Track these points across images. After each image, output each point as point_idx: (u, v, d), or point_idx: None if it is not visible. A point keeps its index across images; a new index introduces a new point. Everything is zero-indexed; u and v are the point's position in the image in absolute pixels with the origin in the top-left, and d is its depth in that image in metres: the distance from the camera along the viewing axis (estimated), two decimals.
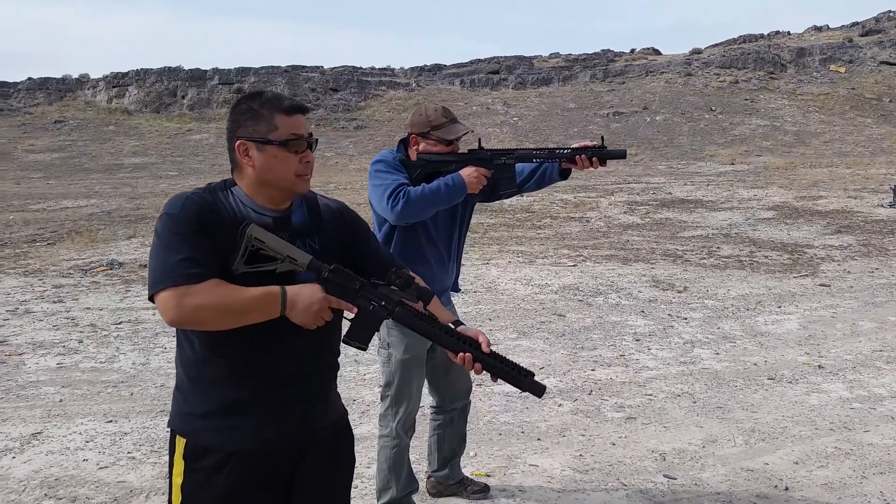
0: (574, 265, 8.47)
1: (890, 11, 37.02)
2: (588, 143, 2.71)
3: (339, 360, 1.89)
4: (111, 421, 4.04)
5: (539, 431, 3.89)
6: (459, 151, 2.77)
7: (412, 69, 32.66)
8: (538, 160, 2.74)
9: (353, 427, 1.97)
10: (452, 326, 1.75)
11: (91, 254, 9.04)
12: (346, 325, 1.78)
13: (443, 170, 2.71)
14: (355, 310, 1.69)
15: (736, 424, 3.98)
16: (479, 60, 32.77)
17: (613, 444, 3.73)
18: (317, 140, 1.74)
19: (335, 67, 31.33)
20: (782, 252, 9.21)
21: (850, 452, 3.61)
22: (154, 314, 6.28)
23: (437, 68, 32.52)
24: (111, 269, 8.09)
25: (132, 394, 4.47)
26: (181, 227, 1.58)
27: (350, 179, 17.38)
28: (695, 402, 4.33)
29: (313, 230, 1.76)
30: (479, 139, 3.02)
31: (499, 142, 24.39)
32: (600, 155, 2.67)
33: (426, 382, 2.96)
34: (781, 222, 11.38)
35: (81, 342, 5.51)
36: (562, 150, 2.70)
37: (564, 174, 2.80)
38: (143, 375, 4.80)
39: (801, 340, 5.58)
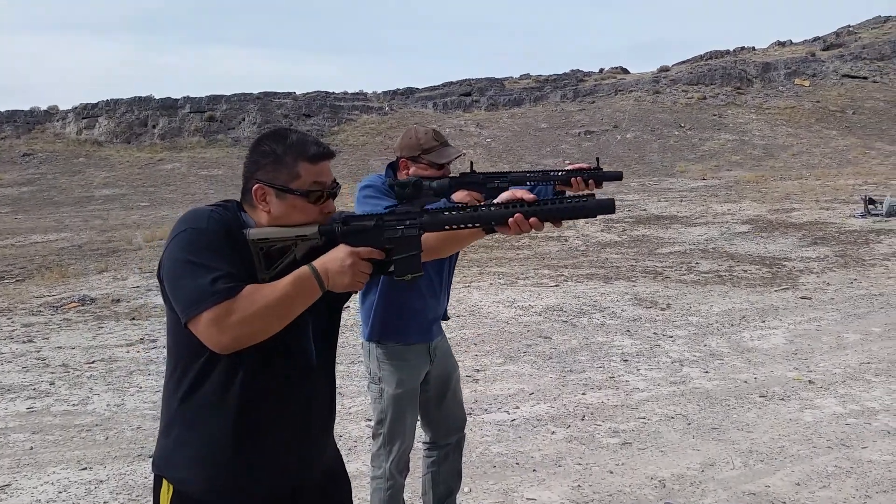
0: (556, 285, 8.41)
1: (849, 26, 38.01)
2: (583, 164, 2.63)
3: None
4: (85, 468, 3.85)
5: (534, 462, 3.77)
6: (451, 175, 2.68)
7: (384, 93, 32.68)
8: (532, 183, 2.66)
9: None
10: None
11: (62, 290, 8.79)
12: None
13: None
14: (382, 255, 1.59)
15: (733, 446, 3.91)
16: (451, 83, 32.89)
17: (611, 472, 3.63)
18: (339, 186, 1.65)
19: (307, 93, 31.24)
20: (761, 266, 9.24)
21: (851, 471, 3.55)
22: (128, 351, 6.08)
23: (409, 92, 32.57)
24: (83, 305, 7.85)
25: (107, 437, 4.28)
26: (210, 241, 1.49)
27: None
28: (689, 424, 4.25)
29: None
30: (471, 162, 2.93)
31: (473, 163, 24.39)
32: (597, 177, 2.60)
33: (418, 418, 2.84)
34: (757, 236, 11.45)
35: (53, 384, 5.29)
36: (556, 173, 2.62)
37: None
38: (118, 417, 4.61)
39: (788, 355, 5.55)
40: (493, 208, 1.60)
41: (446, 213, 1.60)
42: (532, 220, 1.58)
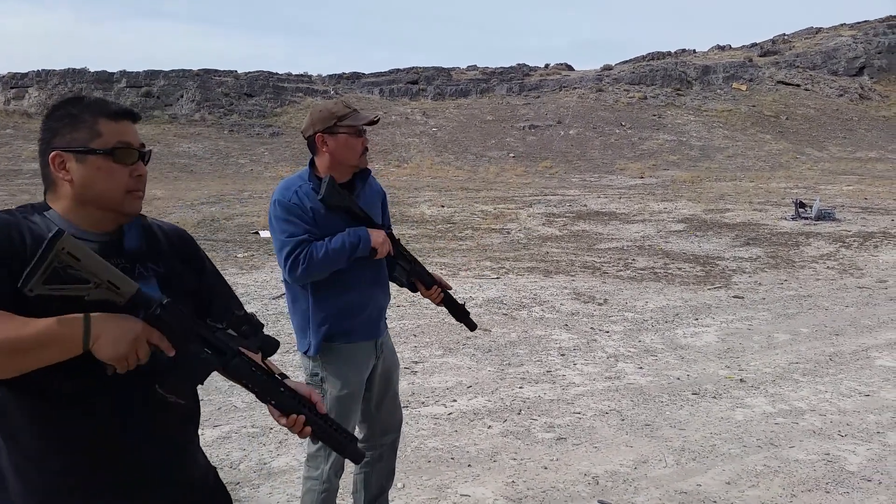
0: (497, 277, 8.41)
1: (784, 34, 39.29)
2: (452, 293, 2.76)
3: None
4: None
5: (469, 457, 3.73)
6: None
7: (330, 77, 32.18)
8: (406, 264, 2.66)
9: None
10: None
11: None
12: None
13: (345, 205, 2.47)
14: (173, 352, 1.36)
15: (665, 443, 3.94)
16: (399, 70, 32.61)
17: (545, 468, 3.62)
18: (150, 151, 1.48)
19: (250, 72, 30.49)
20: (695, 264, 9.43)
21: (779, 470, 3.62)
22: None
23: (355, 76, 32.16)
24: None
25: None
26: None
27: (265, 188, 16.85)
28: (623, 420, 4.28)
29: (154, 254, 1.49)
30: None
31: (418, 151, 24.28)
32: (456, 313, 2.80)
33: None
34: (692, 234, 11.69)
35: None
36: (430, 275, 2.69)
37: (411, 287, 2.71)
38: None
39: (720, 353, 5.66)
40: (291, 396, 1.52)
41: (253, 373, 1.46)
42: (306, 428, 1.51)
